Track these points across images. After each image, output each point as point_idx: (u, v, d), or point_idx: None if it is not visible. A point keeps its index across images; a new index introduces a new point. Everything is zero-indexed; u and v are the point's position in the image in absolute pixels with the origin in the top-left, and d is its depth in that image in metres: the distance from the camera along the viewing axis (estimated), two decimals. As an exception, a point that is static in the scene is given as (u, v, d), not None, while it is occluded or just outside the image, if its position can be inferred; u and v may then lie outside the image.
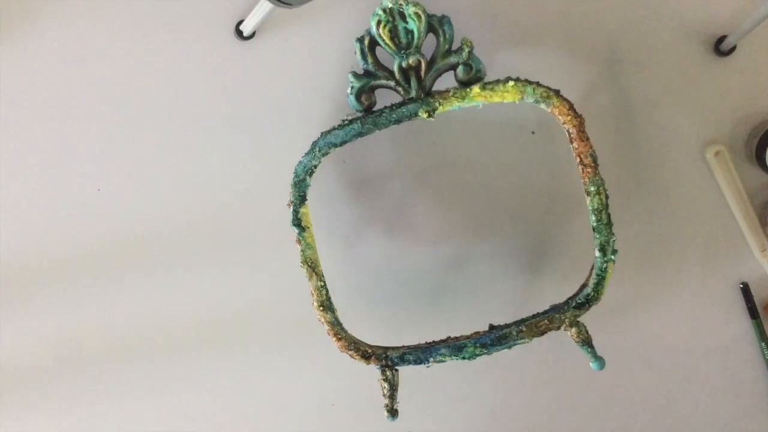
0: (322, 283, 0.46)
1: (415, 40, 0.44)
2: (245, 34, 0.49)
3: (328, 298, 0.46)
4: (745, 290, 0.53)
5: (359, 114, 0.45)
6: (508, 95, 0.44)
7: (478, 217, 0.52)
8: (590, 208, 0.45)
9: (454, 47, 0.44)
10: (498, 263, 0.53)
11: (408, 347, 0.47)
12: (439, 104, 0.44)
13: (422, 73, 0.44)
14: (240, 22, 0.48)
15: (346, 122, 0.45)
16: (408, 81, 0.45)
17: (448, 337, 0.47)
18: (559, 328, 0.46)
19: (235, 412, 0.54)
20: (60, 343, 0.52)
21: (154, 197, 0.50)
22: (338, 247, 0.52)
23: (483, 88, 0.44)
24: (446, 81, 0.45)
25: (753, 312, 0.53)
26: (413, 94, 0.45)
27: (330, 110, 0.50)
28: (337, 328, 0.46)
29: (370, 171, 0.51)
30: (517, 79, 0.44)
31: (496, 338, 0.46)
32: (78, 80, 0.49)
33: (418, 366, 0.46)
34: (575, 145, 0.44)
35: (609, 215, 0.45)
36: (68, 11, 0.48)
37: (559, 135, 0.47)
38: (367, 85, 0.45)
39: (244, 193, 0.51)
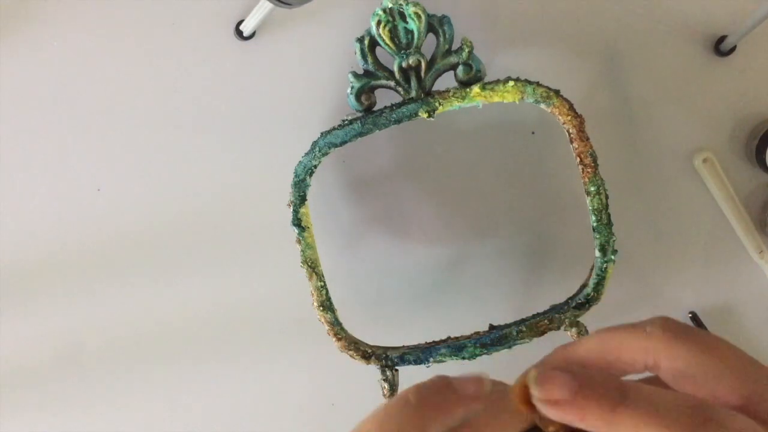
0: (322, 283, 0.46)
1: (415, 40, 0.44)
2: (245, 34, 0.49)
3: (328, 298, 0.46)
4: (695, 319, 0.53)
5: (359, 114, 0.45)
6: (508, 95, 0.44)
7: (478, 217, 0.52)
8: (590, 208, 0.45)
9: (454, 47, 0.44)
10: (498, 263, 0.53)
11: (408, 347, 0.47)
12: (439, 104, 0.44)
13: (422, 73, 0.44)
14: (240, 22, 0.48)
15: (346, 122, 0.45)
16: (408, 81, 0.45)
17: (448, 337, 0.47)
18: (559, 328, 0.46)
19: (234, 411, 0.54)
20: (60, 343, 0.52)
21: (154, 197, 0.50)
22: (338, 247, 0.52)
23: (483, 88, 0.44)
24: (446, 81, 0.45)
25: None
26: (413, 94, 0.45)
27: (330, 110, 0.50)
28: (337, 328, 0.46)
29: (370, 171, 0.51)
30: (517, 79, 0.44)
31: (496, 338, 0.46)
32: (77, 80, 0.49)
33: (418, 366, 0.46)
34: (575, 145, 0.44)
35: (609, 215, 0.45)
36: (68, 11, 0.48)
37: (559, 135, 0.47)
38: (367, 85, 0.45)
39: (244, 193, 0.51)
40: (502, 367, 0.54)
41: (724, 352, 0.25)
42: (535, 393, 0.23)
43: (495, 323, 0.47)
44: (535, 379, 0.24)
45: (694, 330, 0.26)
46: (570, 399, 0.23)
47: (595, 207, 0.44)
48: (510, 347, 0.46)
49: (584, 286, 0.46)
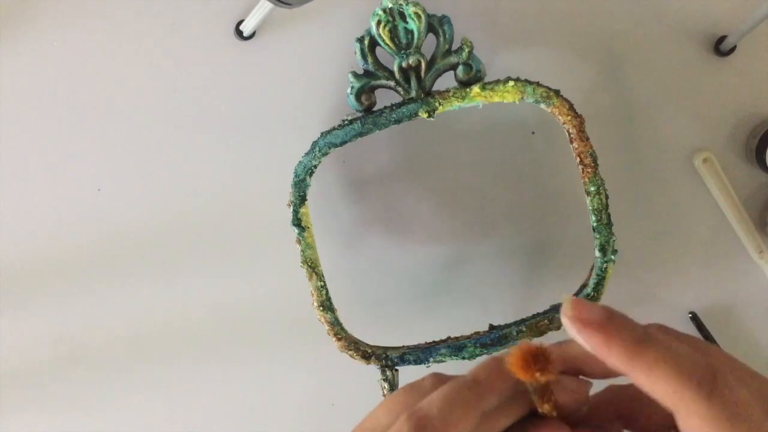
0: (322, 283, 0.46)
1: (415, 40, 0.44)
2: (245, 34, 0.49)
3: (328, 298, 0.46)
4: (695, 319, 0.53)
5: (359, 114, 0.45)
6: (508, 95, 0.44)
7: (478, 217, 0.52)
8: (590, 208, 0.45)
9: (454, 47, 0.44)
10: (498, 263, 0.53)
11: (408, 347, 0.47)
12: (439, 104, 0.44)
13: (422, 73, 0.44)
14: (240, 22, 0.48)
15: (346, 122, 0.45)
16: (408, 81, 0.45)
17: (448, 337, 0.47)
18: (559, 328, 0.46)
19: (234, 411, 0.54)
20: (60, 343, 0.52)
21: (154, 197, 0.50)
22: (338, 247, 0.52)
23: (483, 88, 0.44)
24: (446, 81, 0.45)
25: (708, 340, 0.53)
26: (413, 94, 0.45)
27: (330, 110, 0.50)
28: (337, 328, 0.46)
29: (370, 171, 0.51)
30: (517, 79, 0.44)
31: (496, 338, 0.46)
32: (77, 80, 0.49)
33: (418, 366, 0.46)
34: (575, 145, 0.44)
35: (609, 215, 0.45)
36: (68, 11, 0.48)
37: (559, 135, 0.47)
38: (367, 85, 0.45)
39: (244, 193, 0.51)
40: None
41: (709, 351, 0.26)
42: (569, 312, 0.24)
43: (495, 323, 0.47)
44: (570, 300, 0.25)
45: (687, 336, 0.27)
46: (601, 323, 0.24)
47: (595, 207, 0.44)
48: (510, 347, 0.46)
49: (584, 286, 0.46)
